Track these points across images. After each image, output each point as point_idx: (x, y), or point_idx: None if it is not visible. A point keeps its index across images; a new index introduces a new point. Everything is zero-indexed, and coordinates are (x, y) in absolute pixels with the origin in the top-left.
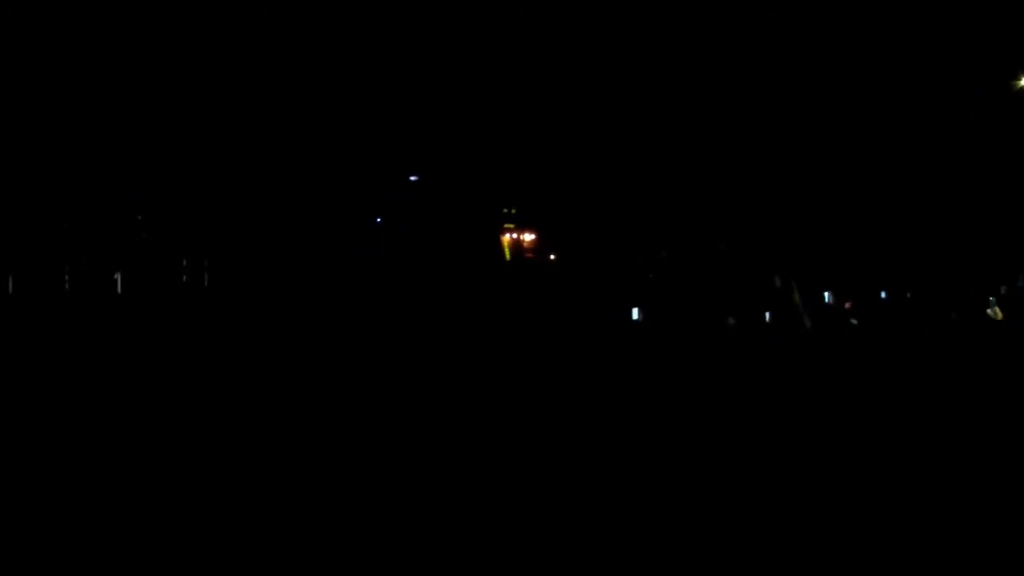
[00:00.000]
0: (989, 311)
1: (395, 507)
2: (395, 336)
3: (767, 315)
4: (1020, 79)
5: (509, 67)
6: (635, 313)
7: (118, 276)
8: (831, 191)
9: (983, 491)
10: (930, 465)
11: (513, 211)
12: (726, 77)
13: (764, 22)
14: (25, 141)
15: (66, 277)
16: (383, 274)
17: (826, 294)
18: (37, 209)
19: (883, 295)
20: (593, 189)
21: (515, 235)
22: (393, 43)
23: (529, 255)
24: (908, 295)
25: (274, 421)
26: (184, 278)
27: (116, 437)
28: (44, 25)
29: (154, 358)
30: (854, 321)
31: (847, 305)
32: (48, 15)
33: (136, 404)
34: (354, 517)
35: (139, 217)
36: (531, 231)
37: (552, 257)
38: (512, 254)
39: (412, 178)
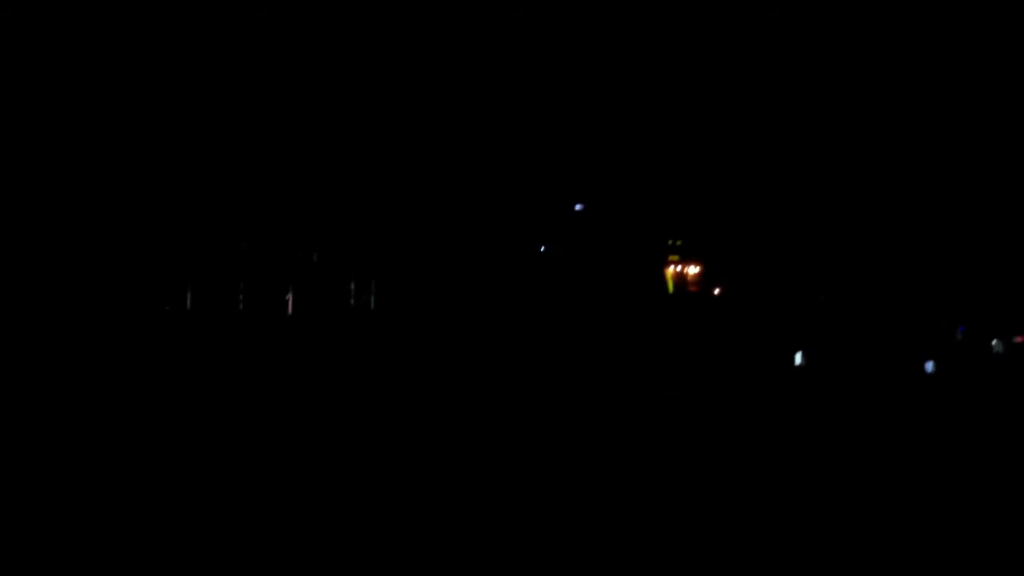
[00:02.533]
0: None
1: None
2: (557, 369)
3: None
4: None
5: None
6: (798, 358)
7: (289, 297)
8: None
9: None
10: None
11: (678, 243)
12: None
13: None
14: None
15: (240, 296)
16: (548, 303)
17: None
18: (218, 230)
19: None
20: (760, 223)
21: (679, 268)
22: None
23: (693, 288)
24: None
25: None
26: (352, 301)
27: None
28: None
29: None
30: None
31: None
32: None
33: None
34: None
35: (310, 242)
36: (696, 263)
37: (716, 292)
38: (675, 287)
39: (577, 207)
